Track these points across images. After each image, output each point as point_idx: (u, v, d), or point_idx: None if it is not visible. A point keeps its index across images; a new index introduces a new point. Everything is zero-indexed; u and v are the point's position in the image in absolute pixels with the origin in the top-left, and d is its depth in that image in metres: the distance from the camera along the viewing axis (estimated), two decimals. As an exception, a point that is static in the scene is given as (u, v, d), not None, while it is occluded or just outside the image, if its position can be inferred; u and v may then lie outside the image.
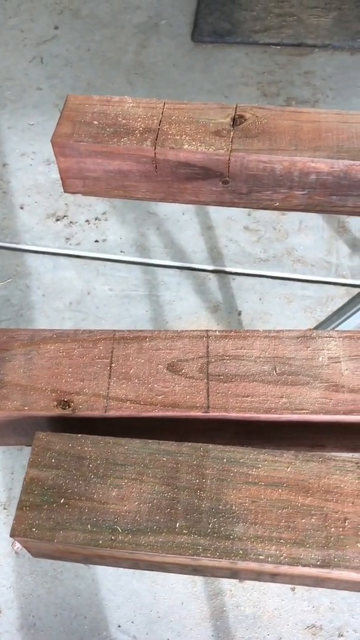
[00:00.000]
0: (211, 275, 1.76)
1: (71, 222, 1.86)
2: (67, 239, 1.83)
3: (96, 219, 1.87)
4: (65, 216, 1.87)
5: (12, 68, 2.25)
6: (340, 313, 1.23)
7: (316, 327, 1.31)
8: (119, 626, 1.29)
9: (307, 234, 1.82)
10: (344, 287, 1.72)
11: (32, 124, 2.10)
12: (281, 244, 1.81)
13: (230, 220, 1.85)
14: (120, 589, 1.32)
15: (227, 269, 1.77)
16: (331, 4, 2.40)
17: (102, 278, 1.76)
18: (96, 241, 1.83)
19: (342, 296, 1.70)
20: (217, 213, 1.87)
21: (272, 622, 1.28)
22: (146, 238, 1.83)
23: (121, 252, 1.80)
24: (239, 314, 1.68)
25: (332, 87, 2.18)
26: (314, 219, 1.86)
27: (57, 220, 1.87)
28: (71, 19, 2.40)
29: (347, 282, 1.73)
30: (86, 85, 2.19)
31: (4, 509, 1.42)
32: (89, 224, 1.86)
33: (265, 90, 2.17)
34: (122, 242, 1.82)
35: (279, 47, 2.31)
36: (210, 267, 1.77)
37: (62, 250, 1.81)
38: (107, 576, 1.34)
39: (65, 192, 0.85)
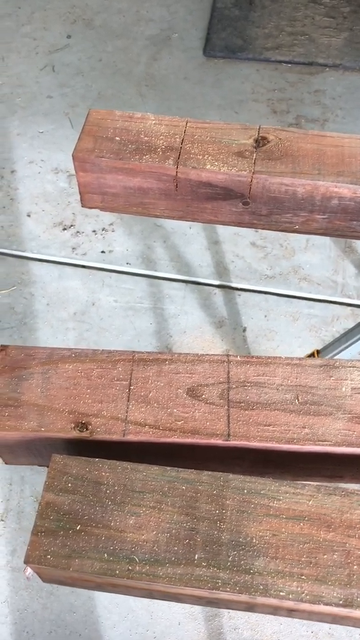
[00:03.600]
0: (217, 290, 1.75)
1: (78, 232, 1.85)
2: (73, 248, 1.82)
3: (103, 229, 1.86)
4: (72, 226, 1.87)
5: (23, 75, 2.25)
6: (350, 335, 1.23)
7: (324, 348, 1.30)
8: (114, 645, 1.26)
9: (314, 253, 1.82)
10: (350, 308, 1.71)
11: (42, 132, 2.09)
12: (288, 262, 1.81)
13: (237, 236, 1.85)
14: (117, 606, 1.30)
15: (233, 285, 1.76)
16: (343, 24, 2.42)
17: (107, 289, 1.75)
18: (102, 252, 1.82)
19: (347, 316, 1.70)
20: (223, 228, 1.87)
21: (270, 646, 1.26)
22: (152, 250, 1.82)
23: (127, 263, 1.80)
24: (244, 330, 1.67)
25: (341, 107, 2.19)
26: (321, 238, 1.86)
27: (64, 229, 1.86)
28: (84, 29, 2.40)
29: (353, 303, 1.72)
30: (97, 95, 2.19)
31: (1, 520, 1.40)
32: (95, 234, 1.85)
33: (275, 107, 2.18)
34: (129, 254, 1.81)
35: (289, 65, 2.32)
36: (216, 282, 1.76)
37: (68, 259, 1.80)
38: (104, 593, 1.31)
39: (83, 206, 0.84)
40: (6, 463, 0.65)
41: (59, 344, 1.64)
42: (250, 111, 2.16)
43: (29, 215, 1.89)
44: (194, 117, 2.19)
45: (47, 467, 0.62)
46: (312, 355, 1.33)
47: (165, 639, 1.27)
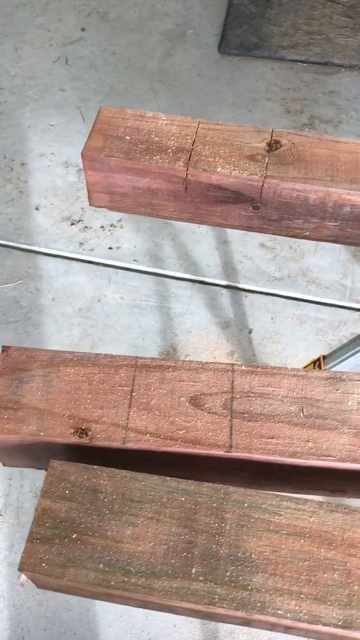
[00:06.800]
0: (224, 291, 1.74)
1: (86, 227, 1.84)
2: (80, 243, 1.81)
3: (111, 225, 1.85)
4: (80, 220, 1.86)
5: (36, 67, 2.24)
6: (358, 342, 1.21)
7: (330, 354, 1.28)
8: (109, 645, 1.26)
9: (323, 256, 1.80)
10: (358, 313, 1.70)
11: (53, 125, 2.08)
12: (296, 264, 1.79)
13: (246, 236, 1.83)
14: (113, 606, 1.30)
15: (241, 286, 1.75)
16: (360, 24, 2.39)
17: (114, 286, 1.74)
18: (110, 248, 1.81)
19: (355, 321, 1.68)
20: (233, 228, 1.85)
21: (265, 652, 1.25)
22: (160, 248, 1.81)
23: (134, 260, 1.78)
24: (250, 332, 1.66)
25: (356, 109, 2.17)
26: (331, 241, 1.84)
27: (72, 224, 1.85)
28: (98, 22, 2.39)
29: (361, 308, 1.71)
30: (109, 89, 2.18)
31: (0, 515, 1.40)
32: (103, 230, 1.84)
33: (289, 107, 2.16)
34: (136, 251, 1.80)
35: (305, 65, 2.29)
36: (224, 283, 1.75)
37: (75, 254, 1.79)
38: (100, 592, 1.31)
39: (90, 205, 0.83)
40: (3, 465, 0.64)
41: (63, 340, 1.64)
42: (263, 110, 2.14)
43: (37, 209, 1.88)
44: (206, 115, 2.17)
45: (46, 470, 0.61)
46: (317, 360, 1.32)
47: (160, 641, 1.26)
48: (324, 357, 1.31)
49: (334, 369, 1.27)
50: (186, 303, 1.71)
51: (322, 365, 1.30)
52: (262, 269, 1.77)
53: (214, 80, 2.22)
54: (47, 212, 1.88)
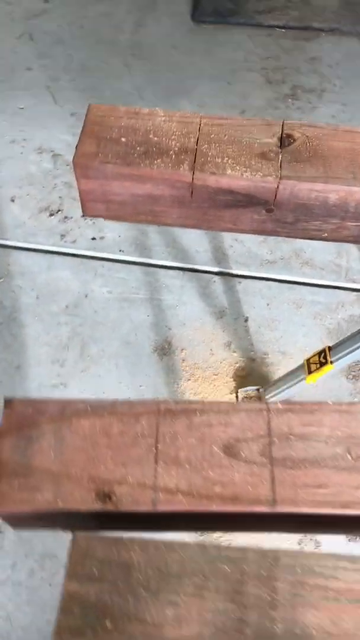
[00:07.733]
0: (216, 278, 1.66)
1: (66, 217, 1.74)
2: (62, 235, 1.71)
3: (93, 214, 1.75)
4: (59, 210, 1.75)
5: (-1, 45, 2.09)
6: (365, 334, 1.15)
7: (336, 345, 1.23)
8: None
9: (316, 235, 1.73)
10: (355, 293, 1.64)
11: (22, 108, 1.95)
12: (289, 245, 1.72)
13: (235, 218, 1.75)
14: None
15: (233, 271, 1.67)
16: (339, -16, 2.28)
17: (100, 279, 1.65)
18: (93, 239, 1.71)
19: (352, 302, 1.63)
20: (220, 210, 1.77)
21: None
22: (146, 236, 1.72)
23: (120, 251, 1.69)
24: (246, 320, 1.60)
25: (339, 76, 2.07)
26: (323, 218, 1.77)
27: (51, 215, 1.74)
28: (62, -8, 2.24)
29: (358, 288, 1.65)
30: (80, 67, 2.05)
31: (0, 532, 1.33)
32: (85, 219, 1.74)
33: (269, 77, 2.06)
34: (121, 240, 1.71)
35: (284, 30, 2.18)
36: (215, 269, 1.68)
37: (56, 248, 1.69)
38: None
39: (84, 215, 0.75)
40: (14, 529, 0.57)
41: (51, 341, 1.55)
42: (244, 82, 2.04)
43: (12, 200, 1.77)
44: (184, 89, 2.05)
45: (62, 530, 0.55)
46: (322, 352, 1.26)
47: None
48: (330, 348, 1.25)
49: (340, 360, 1.22)
50: (177, 293, 1.63)
51: (328, 357, 1.24)
52: (254, 252, 1.70)
53: (189, 51, 2.11)
54: (23, 203, 1.77)
